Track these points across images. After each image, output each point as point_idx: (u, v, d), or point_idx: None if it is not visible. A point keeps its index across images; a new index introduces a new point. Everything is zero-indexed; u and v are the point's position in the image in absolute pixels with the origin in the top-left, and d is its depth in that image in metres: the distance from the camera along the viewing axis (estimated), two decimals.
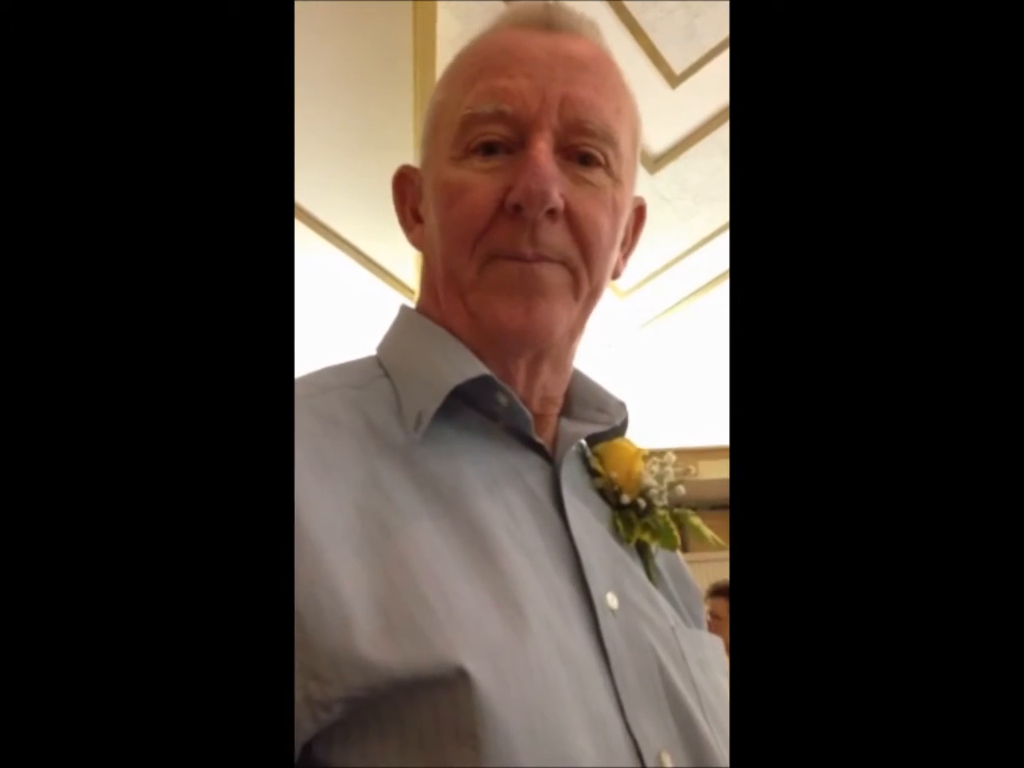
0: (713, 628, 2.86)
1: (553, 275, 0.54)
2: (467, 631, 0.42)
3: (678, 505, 0.61)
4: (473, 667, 0.40)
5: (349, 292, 3.05)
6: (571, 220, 0.54)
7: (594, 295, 0.58)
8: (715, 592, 3.15)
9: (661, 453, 0.62)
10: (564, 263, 0.54)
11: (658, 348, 3.79)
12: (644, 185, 2.89)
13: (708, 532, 0.61)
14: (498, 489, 0.52)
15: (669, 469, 0.61)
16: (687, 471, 0.62)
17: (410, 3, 2.09)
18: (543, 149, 0.53)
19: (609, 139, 0.55)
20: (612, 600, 0.50)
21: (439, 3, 2.07)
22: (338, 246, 2.82)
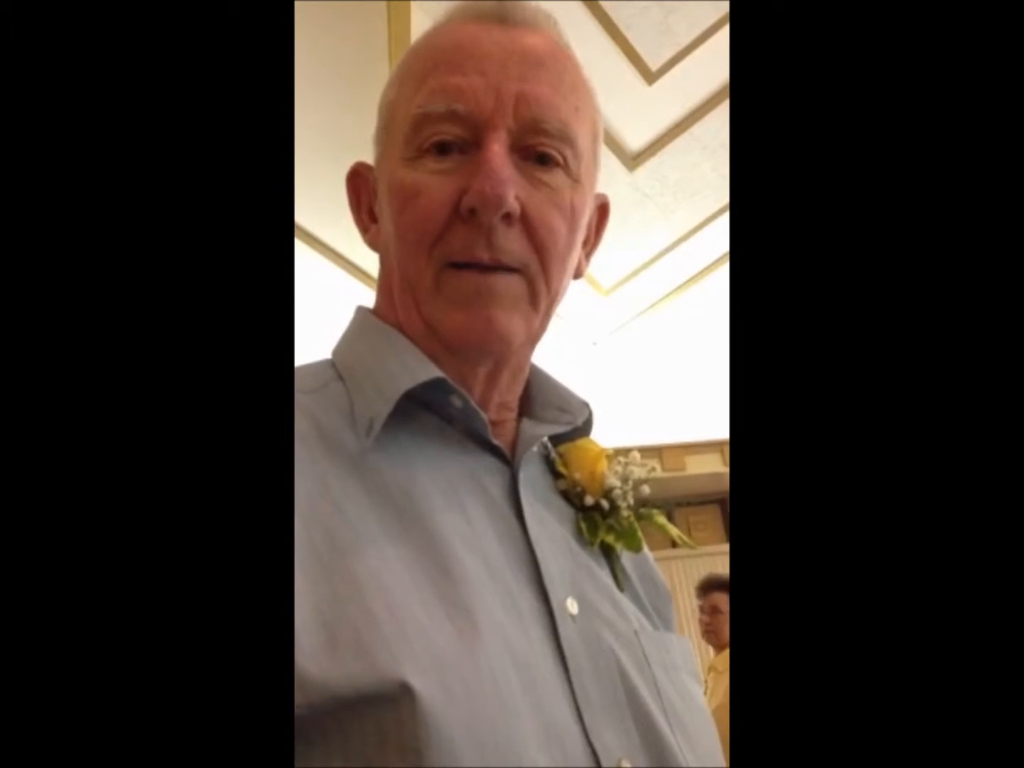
0: (718, 623, 2.78)
1: (511, 286, 0.52)
2: (413, 645, 0.40)
3: (643, 504, 0.60)
4: (417, 682, 0.39)
5: (326, 294, 3.03)
6: (527, 225, 0.52)
7: (553, 302, 0.56)
8: (719, 585, 3.03)
9: (626, 452, 0.61)
10: (522, 271, 0.53)
11: (644, 344, 3.79)
12: (624, 182, 2.88)
13: (674, 531, 0.60)
14: (455, 494, 0.50)
15: (633, 469, 0.60)
16: (652, 469, 0.61)
17: (384, 4, 2.07)
18: (497, 151, 0.51)
19: (567, 138, 0.54)
20: (572, 605, 0.49)
21: (412, 3, 2.06)
22: (315, 248, 2.80)
